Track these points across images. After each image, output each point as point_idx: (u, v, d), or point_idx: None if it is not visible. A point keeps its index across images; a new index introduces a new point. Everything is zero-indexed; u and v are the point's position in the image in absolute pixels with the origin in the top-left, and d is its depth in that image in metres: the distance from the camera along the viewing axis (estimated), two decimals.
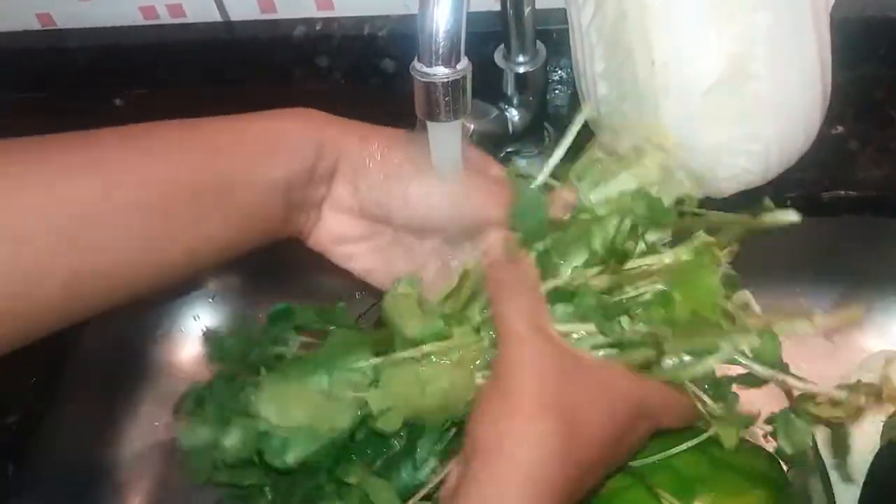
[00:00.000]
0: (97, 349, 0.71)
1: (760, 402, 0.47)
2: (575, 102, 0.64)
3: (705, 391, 0.46)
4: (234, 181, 0.40)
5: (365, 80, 0.73)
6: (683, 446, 0.47)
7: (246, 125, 0.42)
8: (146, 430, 0.71)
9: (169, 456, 0.70)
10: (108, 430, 0.69)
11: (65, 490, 0.65)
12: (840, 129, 0.70)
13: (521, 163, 0.65)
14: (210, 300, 0.77)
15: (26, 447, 0.62)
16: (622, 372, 0.41)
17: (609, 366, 0.41)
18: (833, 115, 0.56)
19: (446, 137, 0.43)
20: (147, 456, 0.70)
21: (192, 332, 0.75)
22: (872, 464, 0.56)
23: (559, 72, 0.73)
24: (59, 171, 0.36)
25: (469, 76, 0.41)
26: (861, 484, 0.56)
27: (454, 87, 0.40)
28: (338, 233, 0.46)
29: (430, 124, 0.42)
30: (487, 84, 0.66)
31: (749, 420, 0.45)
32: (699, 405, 0.51)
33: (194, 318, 0.77)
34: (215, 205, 0.40)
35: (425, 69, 0.40)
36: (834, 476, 0.52)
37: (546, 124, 0.67)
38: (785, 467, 0.54)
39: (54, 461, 0.64)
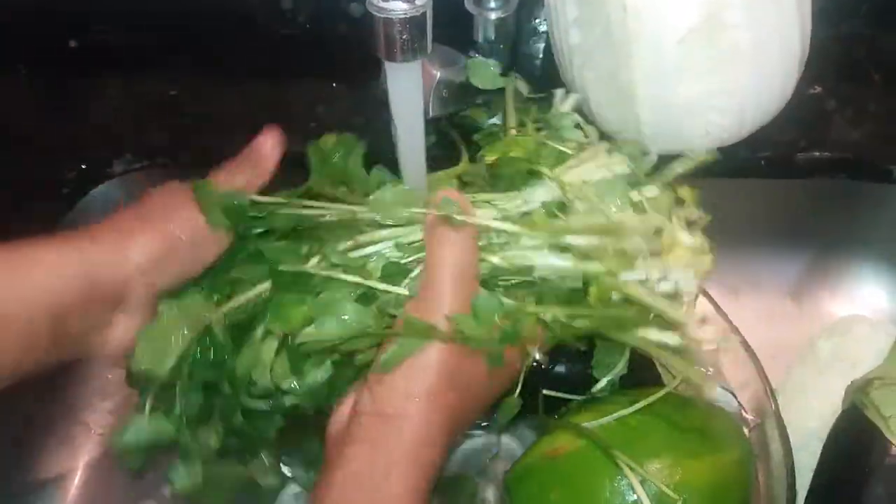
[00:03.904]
0: None
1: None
2: (549, 53, 0.61)
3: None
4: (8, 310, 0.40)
5: (331, 24, 0.70)
6: (639, 405, 0.46)
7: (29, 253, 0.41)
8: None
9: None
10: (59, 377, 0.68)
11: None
12: (818, 88, 0.69)
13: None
14: None
15: None
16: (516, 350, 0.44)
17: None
18: (811, 74, 0.55)
19: (405, 79, 0.41)
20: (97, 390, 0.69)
21: None
22: (833, 427, 0.56)
23: (534, 21, 0.70)
24: None
25: (429, 13, 0.39)
26: (821, 446, 0.56)
27: (413, 24, 0.38)
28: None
29: (387, 65, 0.40)
30: (457, 31, 0.63)
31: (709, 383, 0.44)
32: (660, 366, 0.50)
33: None
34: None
35: (382, 4, 0.38)
36: (794, 439, 0.52)
37: (517, 75, 0.64)
38: (745, 430, 0.53)
39: None
